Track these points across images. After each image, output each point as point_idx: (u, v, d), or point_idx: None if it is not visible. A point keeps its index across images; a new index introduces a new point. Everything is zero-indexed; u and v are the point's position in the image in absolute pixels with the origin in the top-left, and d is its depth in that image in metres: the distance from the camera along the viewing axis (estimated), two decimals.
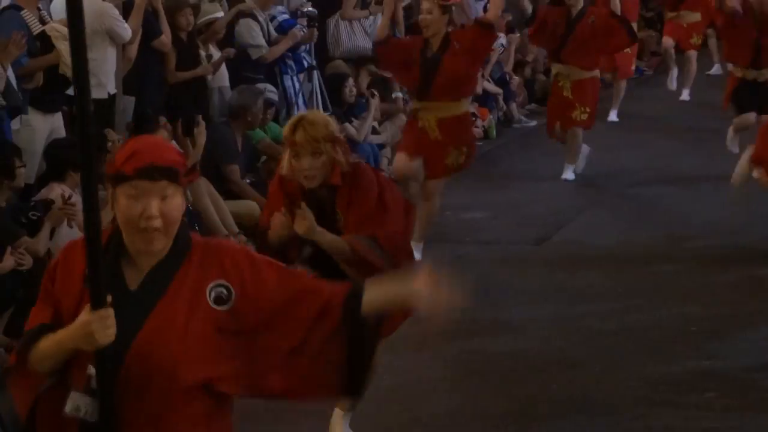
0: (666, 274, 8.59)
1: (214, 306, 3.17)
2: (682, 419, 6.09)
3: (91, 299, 3.06)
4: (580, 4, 11.06)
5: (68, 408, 3.09)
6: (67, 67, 7.75)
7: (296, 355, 3.21)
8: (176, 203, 3.17)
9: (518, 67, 15.04)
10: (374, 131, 11.66)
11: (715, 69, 16.66)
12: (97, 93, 8.56)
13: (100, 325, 3.03)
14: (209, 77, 10.10)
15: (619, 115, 14.24)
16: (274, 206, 5.44)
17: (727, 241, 9.30)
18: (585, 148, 11.54)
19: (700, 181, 11.33)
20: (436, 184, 8.89)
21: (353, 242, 5.22)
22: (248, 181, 9.64)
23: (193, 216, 8.48)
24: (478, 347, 7.22)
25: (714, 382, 6.53)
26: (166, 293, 3.17)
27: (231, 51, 10.25)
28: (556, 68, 11.29)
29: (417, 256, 7.87)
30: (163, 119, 8.90)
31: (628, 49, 12.76)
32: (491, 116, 13.84)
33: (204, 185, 8.80)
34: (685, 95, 15.41)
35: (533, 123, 14.32)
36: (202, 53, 10.10)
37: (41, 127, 8.19)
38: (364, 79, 11.91)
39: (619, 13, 11.14)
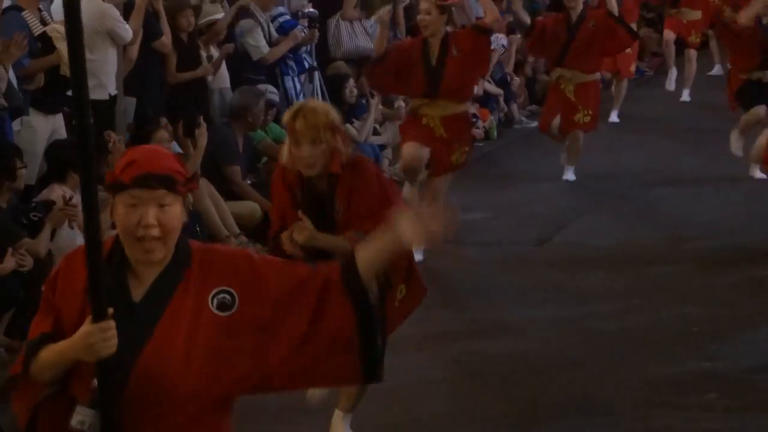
0: (666, 274, 8.59)
1: (217, 312, 3.17)
2: (682, 420, 6.09)
3: (92, 311, 3.06)
4: (580, 6, 11.06)
5: (74, 422, 3.09)
6: (68, 68, 7.75)
7: (306, 343, 3.18)
8: (175, 212, 3.17)
9: (519, 67, 15.04)
10: (375, 132, 11.67)
11: (716, 70, 16.66)
12: (98, 94, 8.57)
13: (101, 337, 3.03)
14: (210, 78, 10.10)
15: (619, 116, 14.25)
16: (279, 200, 5.47)
17: (728, 241, 9.30)
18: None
19: (701, 181, 11.33)
20: (441, 182, 8.93)
21: (355, 241, 5.22)
22: (249, 182, 9.64)
23: (194, 217, 8.49)
24: (478, 348, 7.22)
25: (714, 383, 6.52)
26: (170, 305, 3.17)
27: (230, 47, 10.26)
28: (558, 72, 11.28)
29: (418, 257, 7.89)
30: (164, 120, 8.90)
31: (628, 49, 12.77)
32: (492, 117, 13.84)
33: (205, 186, 8.80)
34: (685, 96, 15.42)
35: (534, 124, 14.30)
36: (203, 54, 10.11)
37: (42, 128, 8.19)
38: (365, 80, 11.91)
39: (616, 12, 11.13)
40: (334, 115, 5.34)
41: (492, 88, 14.00)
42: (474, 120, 12.64)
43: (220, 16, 10.45)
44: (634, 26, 13.39)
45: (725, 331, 7.39)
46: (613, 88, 14.58)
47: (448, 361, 7.04)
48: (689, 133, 13.52)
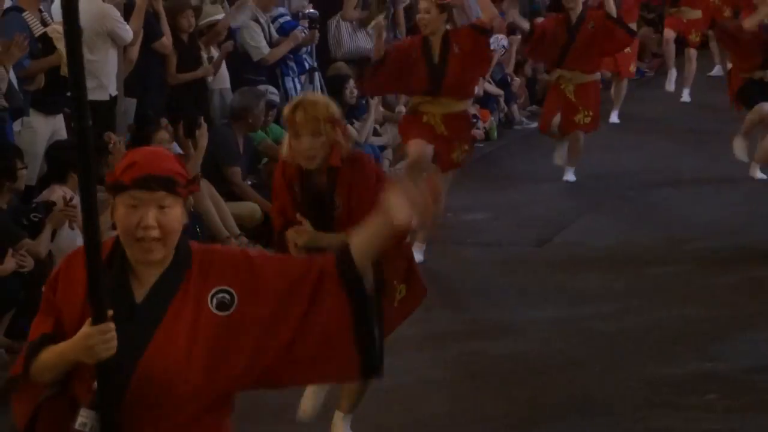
0: (666, 275, 8.60)
1: (217, 312, 3.17)
2: (682, 421, 6.09)
3: (91, 313, 3.07)
4: (579, 7, 11.06)
5: (77, 424, 3.10)
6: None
7: (303, 336, 3.17)
8: (175, 214, 3.18)
9: (519, 68, 15.04)
10: (375, 133, 11.67)
11: (716, 70, 16.66)
12: (98, 95, 8.58)
13: (100, 339, 3.04)
14: (210, 79, 10.11)
15: (620, 117, 14.25)
16: (280, 196, 5.47)
17: (728, 242, 9.30)
18: (565, 145, 11.49)
19: (701, 182, 11.34)
20: (442, 182, 8.93)
21: None
22: (249, 182, 9.65)
23: (195, 218, 8.49)
24: (478, 348, 7.22)
25: (715, 383, 6.53)
26: (171, 306, 3.17)
27: (230, 45, 10.26)
28: (558, 72, 11.28)
29: (418, 258, 7.90)
30: (164, 121, 8.91)
31: (628, 49, 12.76)
32: (492, 118, 13.84)
33: (205, 187, 8.81)
34: (685, 96, 15.41)
35: (534, 125, 14.30)
36: (204, 55, 10.11)
37: (43, 129, 8.20)
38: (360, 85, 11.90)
39: (615, 13, 11.13)
40: (335, 108, 5.34)
41: (492, 88, 14.00)
42: (474, 120, 12.64)
43: (220, 16, 10.45)
44: (634, 26, 13.38)
45: (725, 331, 7.39)
46: (612, 88, 14.58)
47: (448, 361, 7.04)
48: (689, 133, 13.53)
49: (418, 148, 8.77)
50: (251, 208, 9.35)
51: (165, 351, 3.13)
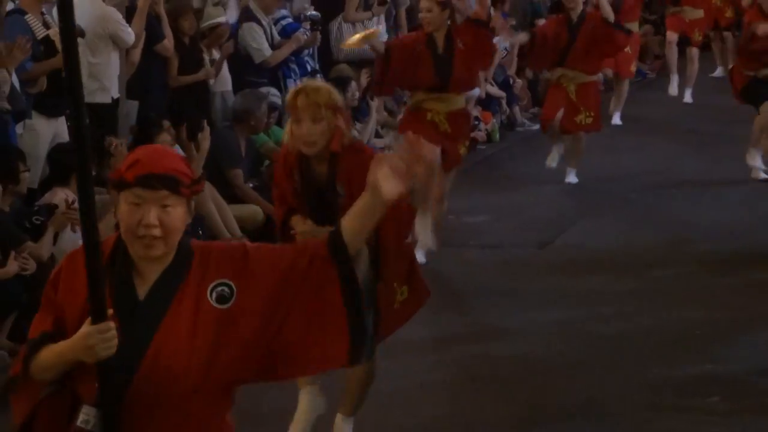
0: (668, 277, 8.60)
1: (217, 305, 3.18)
2: (684, 423, 6.09)
3: (91, 313, 3.07)
4: (580, 7, 11.06)
5: (79, 421, 3.11)
6: None
7: (298, 318, 3.18)
8: (177, 213, 3.18)
9: (521, 70, 15.02)
10: (377, 135, 11.67)
11: (718, 72, 16.63)
12: (100, 97, 8.59)
13: (100, 338, 3.05)
14: (211, 81, 10.12)
15: (622, 118, 14.23)
16: (281, 183, 5.48)
17: (729, 244, 9.30)
18: (561, 147, 11.47)
19: (703, 184, 11.33)
20: (446, 181, 8.97)
21: None
22: (252, 185, 9.65)
23: (196, 220, 8.50)
24: (480, 351, 7.22)
25: (717, 386, 6.53)
26: (173, 303, 3.18)
27: (230, 46, 10.26)
28: (560, 71, 11.27)
29: (420, 259, 7.90)
30: (166, 123, 8.92)
31: (628, 49, 12.74)
32: (494, 120, 13.83)
33: (208, 189, 8.81)
34: (687, 97, 15.38)
35: (536, 126, 14.31)
36: (206, 57, 10.12)
37: (45, 132, 8.20)
38: (364, 81, 11.90)
39: (612, 19, 11.11)
40: (337, 95, 5.35)
41: (494, 90, 14.00)
42: (476, 122, 12.66)
43: (222, 19, 10.45)
44: (635, 26, 13.38)
45: (727, 333, 7.39)
46: (614, 90, 14.56)
47: (449, 363, 7.04)
48: (691, 135, 13.52)
49: (433, 149, 8.78)
50: (253, 210, 9.36)
51: (167, 348, 3.14)
